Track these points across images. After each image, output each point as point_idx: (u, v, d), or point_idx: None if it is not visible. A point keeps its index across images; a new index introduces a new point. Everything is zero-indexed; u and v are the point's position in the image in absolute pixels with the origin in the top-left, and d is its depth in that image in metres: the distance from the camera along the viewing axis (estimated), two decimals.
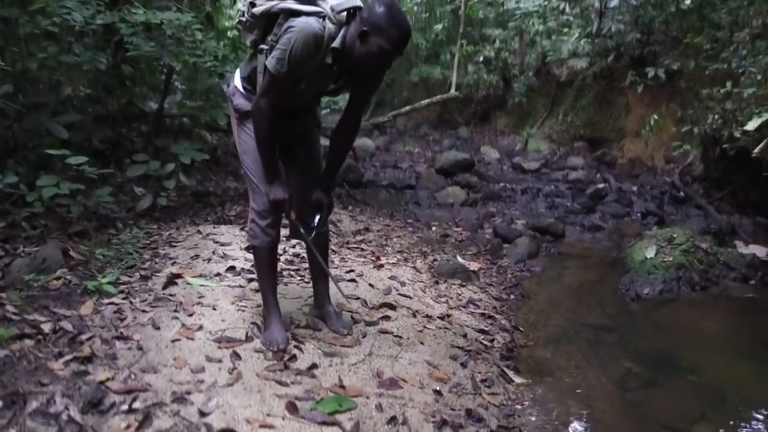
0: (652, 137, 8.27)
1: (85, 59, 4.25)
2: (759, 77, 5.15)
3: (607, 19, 8.95)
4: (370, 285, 3.55)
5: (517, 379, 2.90)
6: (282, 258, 3.75)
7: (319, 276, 2.92)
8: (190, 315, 2.85)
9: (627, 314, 3.81)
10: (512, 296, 4.02)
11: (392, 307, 3.25)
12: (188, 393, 2.22)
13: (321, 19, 2.30)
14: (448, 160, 8.13)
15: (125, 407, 2.09)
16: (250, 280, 3.30)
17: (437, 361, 2.79)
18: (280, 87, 2.36)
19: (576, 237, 5.63)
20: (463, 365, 2.84)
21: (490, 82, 11.82)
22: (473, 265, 4.31)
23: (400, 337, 2.93)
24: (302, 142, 2.75)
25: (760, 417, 2.68)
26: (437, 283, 3.89)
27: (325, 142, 2.92)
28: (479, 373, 2.81)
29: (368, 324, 3.00)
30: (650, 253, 4.41)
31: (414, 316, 3.24)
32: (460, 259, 4.40)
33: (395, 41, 2.28)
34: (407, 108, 8.79)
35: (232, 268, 3.48)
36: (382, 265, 3.94)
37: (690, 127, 6.51)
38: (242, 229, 4.29)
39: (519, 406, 2.65)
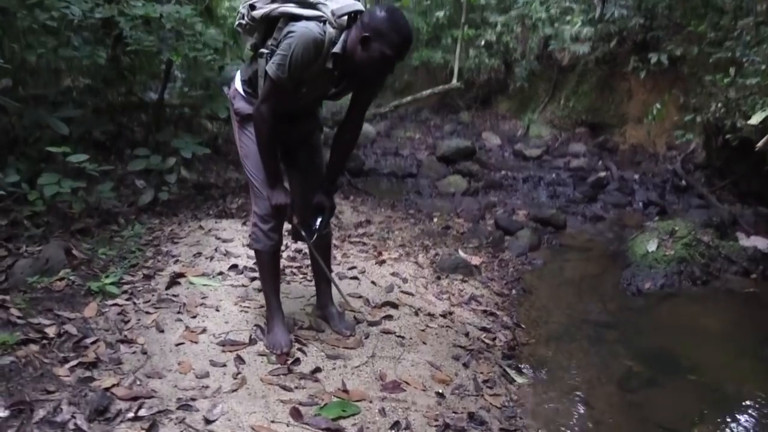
0: (655, 123, 8.23)
1: (85, 54, 4.22)
2: (763, 67, 5.10)
3: (609, 4, 8.85)
4: (372, 282, 3.56)
5: (519, 379, 2.92)
6: (284, 254, 3.76)
7: (322, 277, 2.93)
8: (194, 317, 2.87)
9: (628, 310, 3.83)
10: (514, 291, 4.03)
11: (394, 305, 3.27)
12: (193, 399, 2.24)
13: (321, 24, 2.28)
14: (449, 147, 8.09)
15: (131, 414, 2.12)
16: (253, 279, 3.31)
17: (439, 361, 2.81)
18: (281, 93, 2.35)
19: (577, 228, 5.63)
20: (466, 365, 2.86)
21: (491, 67, 11.71)
22: (475, 260, 4.32)
23: (403, 338, 2.95)
24: (304, 145, 2.74)
25: (760, 417, 2.70)
26: (439, 278, 3.90)
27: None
28: (481, 373, 2.83)
29: (371, 324, 3.02)
30: (652, 247, 4.41)
31: (416, 314, 3.25)
32: (461, 253, 4.41)
33: (397, 46, 2.27)
34: (408, 98, 8.74)
35: (234, 267, 3.49)
36: (384, 261, 3.95)
37: (693, 115, 6.48)
38: (244, 223, 4.30)
39: (520, 408, 2.67)
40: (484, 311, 3.57)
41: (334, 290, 2.93)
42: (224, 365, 2.50)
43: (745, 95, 5.63)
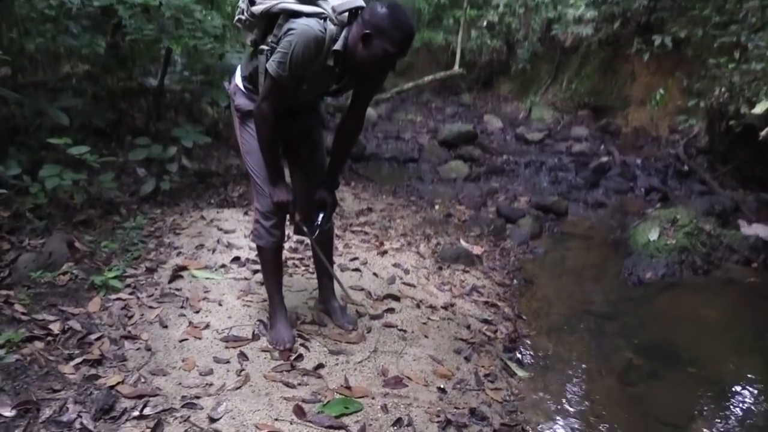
0: (658, 107, 8.18)
1: (84, 43, 4.18)
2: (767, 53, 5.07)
3: None
4: (374, 274, 3.58)
5: (520, 373, 2.95)
6: (286, 245, 3.75)
7: (324, 271, 2.94)
8: (197, 312, 2.89)
9: (629, 301, 3.84)
10: (515, 281, 4.04)
11: (396, 298, 3.28)
12: (197, 397, 2.27)
13: (322, 20, 2.25)
14: (451, 131, 8.06)
15: (136, 413, 2.14)
16: (255, 272, 3.33)
17: (441, 355, 2.83)
18: (282, 91, 2.33)
19: (579, 215, 5.63)
20: (467, 359, 2.88)
21: (493, 48, 11.62)
22: (476, 249, 4.33)
23: (405, 331, 2.97)
24: (306, 141, 2.73)
25: (759, 410, 2.73)
26: (441, 269, 3.91)
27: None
28: (483, 367, 2.85)
29: (373, 318, 3.04)
30: (653, 236, 4.42)
31: (418, 306, 3.27)
32: (463, 242, 4.42)
33: (399, 43, 2.24)
34: (410, 84, 8.68)
35: (236, 259, 3.50)
36: (385, 251, 3.96)
37: (696, 100, 6.43)
38: (246, 213, 4.30)
39: (521, 402, 2.70)
40: (486, 302, 3.59)
41: (336, 284, 2.94)
42: (228, 362, 2.52)
43: (750, 81, 5.59)
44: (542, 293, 3.93)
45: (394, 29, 2.21)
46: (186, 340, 2.65)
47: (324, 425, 2.19)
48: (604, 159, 7.27)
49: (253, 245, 3.38)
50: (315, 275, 3.08)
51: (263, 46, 2.38)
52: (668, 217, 4.63)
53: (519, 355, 3.14)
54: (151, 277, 3.22)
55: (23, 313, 2.66)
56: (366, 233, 4.38)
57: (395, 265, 3.77)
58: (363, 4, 2.33)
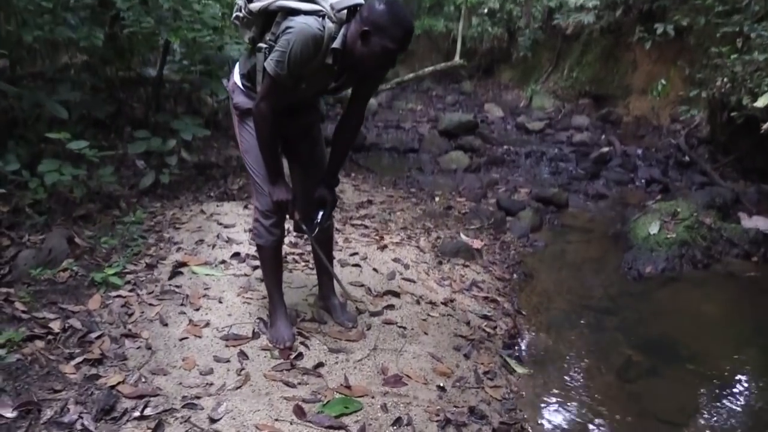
0: (660, 97, 8.14)
1: (82, 35, 4.15)
2: None
3: None
4: (374, 270, 3.57)
5: (519, 370, 2.95)
6: (285, 241, 3.74)
7: (323, 269, 2.93)
8: (197, 309, 2.89)
9: (629, 295, 3.84)
10: (515, 275, 4.05)
11: (396, 294, 3.28)
12: (198, 397, 2.27)
13: (320, 18, 2.23)
14: (451, 121, 8.03)
15: (137, 414, 2.15)
16: (255, 268, 3.32)
17: (441, 353, 2.84)
18: (281, 89, 2.31)
19: (579, 206, 5.62)
20: (467, 356, 2.88)
21: (494, 35, 11.59)
22: (476, 243, 4.32)
23: (404, 328, 2.98)
24: (305, 138, 2.71)
25: (758, 407, 2.74)
26: (440, 263, 3.91)
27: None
28: (482, 364, 2.86)
29: (372, 314, 3.04)
30: (654, 229, 4.41)
31: (418, 303, 3.27)
32: (463, 236, 4.41)
33: (398, 40, 2.22)
34: (411, 75, 8.62)
35: (236, 255, 3.50)
36: (385, 246, 3.95)
37: (698, 90, 6.40)
38: (245, 206, 4.29)
39: (520, 399, 2.71)
40: (485, 297, 3.59)
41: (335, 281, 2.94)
42: (228, 361, 2.52)
43: (752, 71, 5.56)
44: (542, 288, 3.94)
45: (393, 26, 2.19)
46: (186, 338, 2.65)
47: (324, 425, 2.20)
48: (605, 149, 7.25)
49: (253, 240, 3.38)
50: (315, 271, 3.08)
51: (261, 44, 2.36)
52: (668, 210, 4.62)
53: (518, 352, 3.15)
54: (151, 273, 3.22)
55: (23, 312, 2.66)
56: (366, 227, 4.37)
57: (395, 260, 3.77)
58: (361, 1, 2.31)
